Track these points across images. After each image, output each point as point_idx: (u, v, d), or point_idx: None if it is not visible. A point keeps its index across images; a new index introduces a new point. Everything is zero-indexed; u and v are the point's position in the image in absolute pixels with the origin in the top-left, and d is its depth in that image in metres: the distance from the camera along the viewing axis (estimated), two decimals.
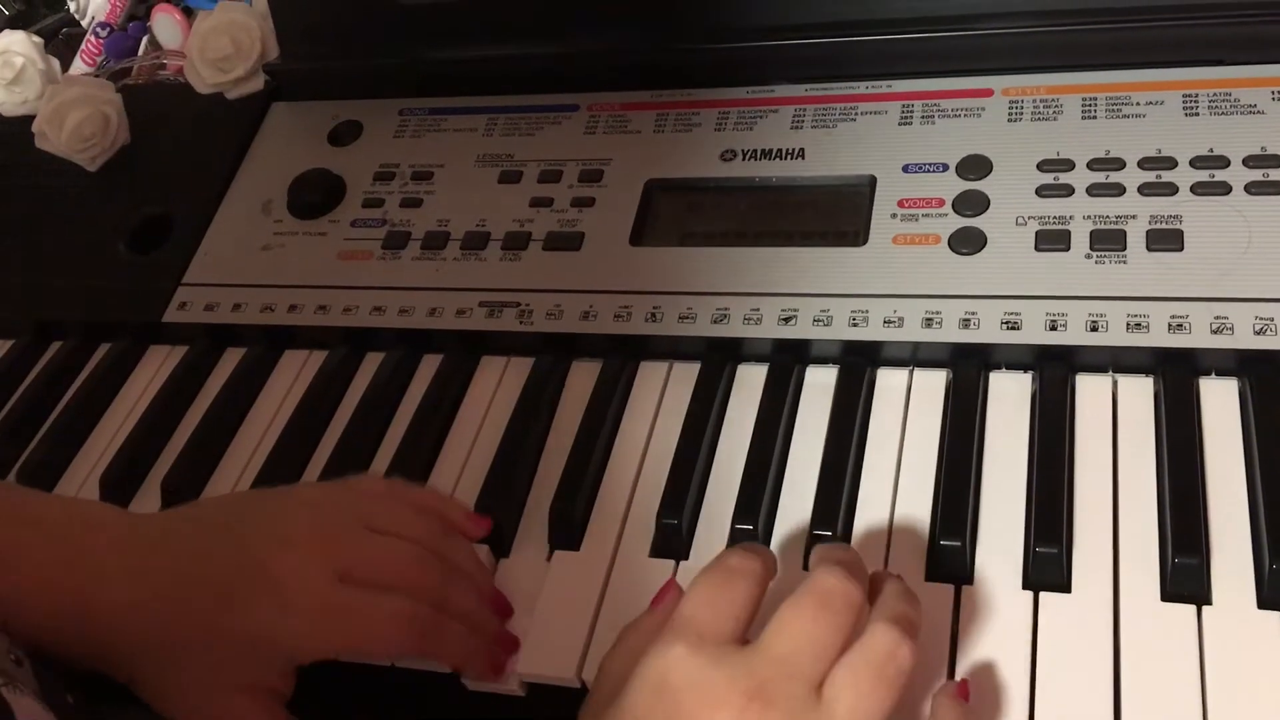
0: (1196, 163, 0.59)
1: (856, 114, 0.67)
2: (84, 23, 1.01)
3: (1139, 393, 0.55)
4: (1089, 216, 0.59)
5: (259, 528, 0.49)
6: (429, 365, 0.65)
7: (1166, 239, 0.57)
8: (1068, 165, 0.61)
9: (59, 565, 0.48)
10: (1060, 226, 0.59)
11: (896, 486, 0.54)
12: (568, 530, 0.55)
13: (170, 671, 0.47)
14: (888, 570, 0.49)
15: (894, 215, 0.62)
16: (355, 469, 0.59)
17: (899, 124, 0.66)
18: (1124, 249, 0.57)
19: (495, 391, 0.63)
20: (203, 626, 0.47)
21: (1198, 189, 0.58)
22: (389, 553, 0.50)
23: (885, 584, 0.45)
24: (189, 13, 0.93)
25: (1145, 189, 0.59)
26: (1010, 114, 0.64)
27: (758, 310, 0.60)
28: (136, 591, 0.48)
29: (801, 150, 0.67)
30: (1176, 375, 0.54)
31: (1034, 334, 0.56)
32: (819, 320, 0.59)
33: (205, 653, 0.47)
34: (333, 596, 0.48)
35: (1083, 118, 0.63)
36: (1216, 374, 0.54)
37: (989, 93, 0.66)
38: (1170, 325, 0.54)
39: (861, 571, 0.45)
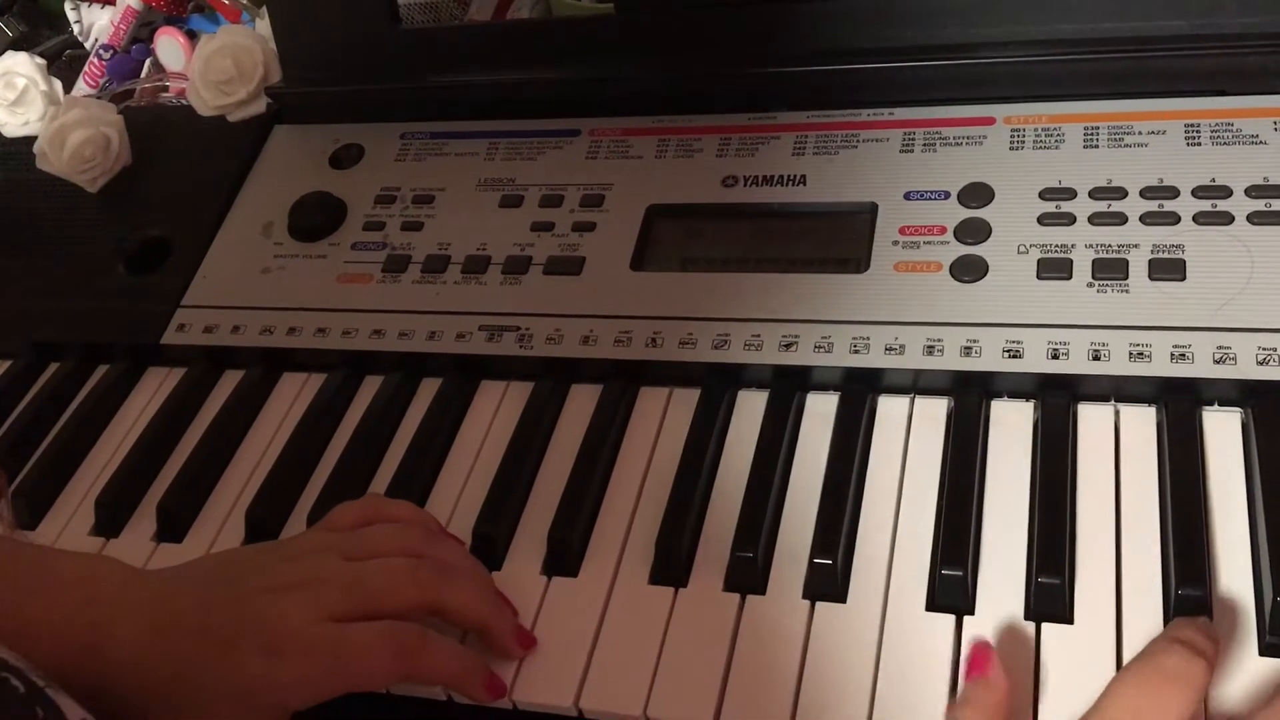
0: (1199, 192, 0.59)
1: (858, 141, 0.67)
2: (87, 45, 1.02)
3: (1141, 423, 0.54)
4: (1091, 245, 0.59)
5: (253, 581, 0.50)
6: (428, 389, 0.65)
7: (1169, 268, 0.57)
8: (1070, 194, 0.61)
9: (70, 608, 0.49)
10: (1062, 255, 0.59)
11: (898, 515, 0.53)
12: (566, 557, 0.55)
13: (169, 712, 0.48)
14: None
15: (895, 242, 0.62)
16: (352, 493, 0.59)
17: (900, 151, 0.66)
18: (1126, 278, 0.57)
19: (494, 416, 0.63)
20: (200, 673, 0.48)
21: (1200, 218, 0.58)
22: (374, 576, 0.50)
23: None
24: (192, 35, 0.94)
25: (1147, 218, 0.59)
26: (1012, 142, 0.64)
27: (758, 336, 0.60)
28: (139, 634, 0.48)
29: (803, 177, 0.66)
30: (1179, 405, 0.53)
31: (1036, 362, 0.55)
32: (820, 347, 0.59)
33: (201, 697, 0.48)
34: (316, 639, 0.48)
35: (1085, 147, 0.63)
36: (1219, 404, 0.54)
37: (991, 121, 0.66)
38: (1173, 355, 0.54)
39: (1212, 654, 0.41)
